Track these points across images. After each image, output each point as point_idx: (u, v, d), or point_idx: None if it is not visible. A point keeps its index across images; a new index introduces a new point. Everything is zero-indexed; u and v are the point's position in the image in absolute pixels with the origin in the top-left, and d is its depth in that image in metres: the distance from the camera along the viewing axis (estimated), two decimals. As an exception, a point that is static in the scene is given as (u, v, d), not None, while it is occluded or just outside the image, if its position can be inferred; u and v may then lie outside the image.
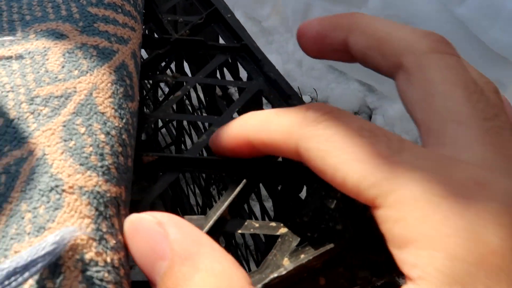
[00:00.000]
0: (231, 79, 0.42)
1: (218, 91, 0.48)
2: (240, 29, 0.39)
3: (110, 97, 0.22)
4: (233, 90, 1.06)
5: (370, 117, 1.43)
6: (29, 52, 0.22)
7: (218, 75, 0.44)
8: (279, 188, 0.33)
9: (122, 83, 0.23)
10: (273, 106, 0.34)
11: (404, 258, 0.15)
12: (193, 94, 0.92)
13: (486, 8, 1.06)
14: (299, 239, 0.23)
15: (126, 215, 0.20)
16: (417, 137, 1.56)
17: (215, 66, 0.36)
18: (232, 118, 0.30)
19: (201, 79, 0.36)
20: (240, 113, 0.36)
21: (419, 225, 0.14)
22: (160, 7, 0.42)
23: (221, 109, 0.47)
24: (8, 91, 0.21)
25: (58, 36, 0.23)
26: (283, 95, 0.35)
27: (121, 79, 0.23)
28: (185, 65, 0.49)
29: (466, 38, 1.10)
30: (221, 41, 0.41)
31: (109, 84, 0.22)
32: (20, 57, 0.22)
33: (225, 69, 0.43)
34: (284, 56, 1.50)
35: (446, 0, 1.12)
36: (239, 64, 0.38)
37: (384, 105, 1.43)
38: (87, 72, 0.22)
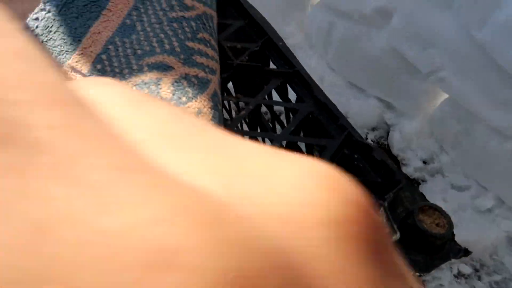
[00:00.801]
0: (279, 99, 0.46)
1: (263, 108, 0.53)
2: (291, 57, 0.43)
3: (210, 120, 0.27)
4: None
5: (387, 133, 1.47)
6: (145, 83, 0.27)
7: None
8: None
9: (216, 108, 0.28)
10: (323, 127, 0.38)
11: None
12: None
13: (505, 33, 1.11)
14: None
15: None
16: (433, 152, 1.59)
17: (271, 89, 0.41)
18: (287, 136, 0.35)
19: (261, 100, 0.40)
20: (294, 132, 0.40)
21: None
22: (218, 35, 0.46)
23: (265, 124, 0.51)
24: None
25: (166, 67, 0.28)
26: (332, 116, 0.39)
27: (215, 105, 0.28)
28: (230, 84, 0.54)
29: (485, 61, 1.14)
30: (271, 65, 0.46)
31: (209, 109, 0.27)
32: (137, 86, 0.27)
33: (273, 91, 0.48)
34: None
35: (467, 23, 1.17)
36: (289, 87, 0.43)
37: (402, 121, 1.47)
38: (192, 99, 0.27)
